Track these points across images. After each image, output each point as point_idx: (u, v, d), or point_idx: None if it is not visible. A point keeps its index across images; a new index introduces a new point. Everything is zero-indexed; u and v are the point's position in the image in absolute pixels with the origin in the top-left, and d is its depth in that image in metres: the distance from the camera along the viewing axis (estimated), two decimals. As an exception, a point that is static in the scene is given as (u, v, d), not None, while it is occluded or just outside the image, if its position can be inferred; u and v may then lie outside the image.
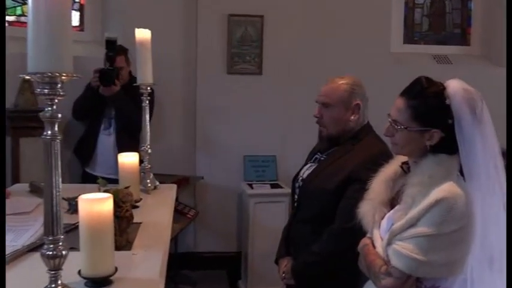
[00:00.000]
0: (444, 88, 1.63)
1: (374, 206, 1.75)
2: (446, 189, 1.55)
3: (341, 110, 2.29)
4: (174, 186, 2.69)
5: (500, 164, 1.64)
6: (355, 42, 4.65)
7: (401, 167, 1.75)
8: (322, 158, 2.40)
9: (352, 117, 2.31)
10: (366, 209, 1.77)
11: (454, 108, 1.60)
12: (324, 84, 2.36)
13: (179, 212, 4.16)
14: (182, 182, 4.13)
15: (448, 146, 1.62)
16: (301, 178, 2.43)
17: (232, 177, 4.51)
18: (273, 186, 4.42)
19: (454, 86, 1.64)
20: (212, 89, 4.49)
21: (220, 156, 4.51)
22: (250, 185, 4.40)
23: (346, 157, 2.27)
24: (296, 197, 2.44)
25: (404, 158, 1.77)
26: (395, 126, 1.66)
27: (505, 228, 1.62)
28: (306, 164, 2.50)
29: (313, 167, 2.40)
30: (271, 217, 4.20)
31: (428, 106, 1.62)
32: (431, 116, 1.61)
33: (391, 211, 1.71)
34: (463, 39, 5.18)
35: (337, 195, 2.19)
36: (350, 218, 1.84)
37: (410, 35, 5.12)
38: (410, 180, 1.63)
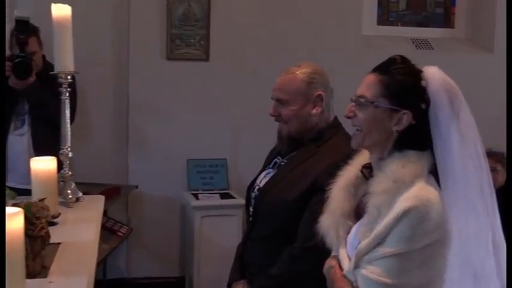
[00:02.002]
0: (421, 70, 1.69)
1: (336, 220, 1.77)
2: (414, 195, 1.58)
3: (300, 104, 2.31)
4: (102, 197, 2.66)
5: (487, 181, 1.71)
6: (320, 23, 4.71)
7: (362, 171, 1.77)
8: (282, 163, 2.42)
9: (314, 111, 2.33)
10: (328, 223, 1.79)
11: (430, 92, 1.65)
12: (278, 75, 2.38)
13: (108, 230, 4.12)
14: (112, 193, 4.09)
15: (418, 138, 1.66)
16: (257, 187, 2.44)
17: (174, 185, 4.50)
18: (223, 196, 4.43)
19: (432, 71, 1.70)
20: (148, 78, 4.46)
21: (158, 160, 4.49)
22: (196, 195, 4.40)
23: (309, 162, 2.29)
24: (251, 209, 2.45)
25: (365, 158, 1.80)
26: (361, 102, 1.70)
27: (488, 244, 1.67)
28: (263, 169, 2.51)
29: (272, 174, 2.41)
30: (221, 234, 4.21)
31: (400, 83, 1.67)
32: (402, 94, 1.66)
33: (357, 224, 1.74)
34: (446, 20, 5.32)
35: (299, 207, 2.21)
36: (314, 234, 1.85)
37: (385, 15, 5.23)
38: (373, 188, 1.65)
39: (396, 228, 1.57)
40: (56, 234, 1.87)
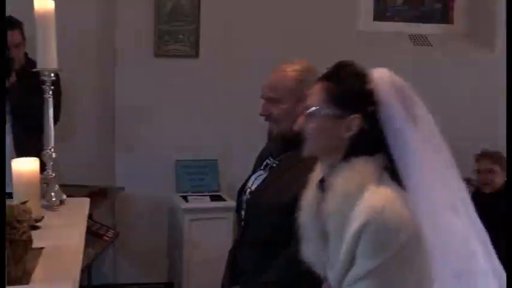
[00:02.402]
0: (367, 73, 1.71)
1: (315, 247, 1.76)
2: (364, 209, 1.57)
3: (291, 103, 2.30)
4: (87, 200, 2.66)
5: (452, 176, 1.73)
6: (314, 18, 4.72)
7: (318, 186, 1.76)
8: (274, 165, 2.41)
9: (306, 110, 2.33)
10: (309, 252, 1.79)
11: (379, 94, 1.66)
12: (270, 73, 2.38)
13: (94, 234, 4.10)
14: (97, 195, 4.07)
15: (370, 142, 1.66)
16: (249, 190, 2.43)
17: (162, 187, 4.50)
18: (214, 198, 4.44)
19: (380, 72, 1.71)
20: (135, 76, 4.46)
21: (145, 161, 4.48)
22: (185, 198, 4.40)
23: (300, 165, 2.26)
24: (243, 213, 2.44)
25: (318, 173, 1.80)
26: (308, 112, 1.71)
27: (468, 242, 1.68)
28: (255, 171, 2.51)
29: (264, 176, 2.41)
30: (211, 238, 4.21)
31: (345, 87, 1.68)
32: (348, 99, 1.67)
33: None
34: (445, 16, 5.34)
35: (294, 210, 2.20)
36: None
37: (382, 11, 5.24)
38: (328, 209, 1.65)
39: (359, 248, 1.57)
40: (38, 239, 1.86)
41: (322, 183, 1.74)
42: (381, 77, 1.68)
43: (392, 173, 1.65)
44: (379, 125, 1.65)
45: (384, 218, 1.55)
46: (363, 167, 1.64)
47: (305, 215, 1.79)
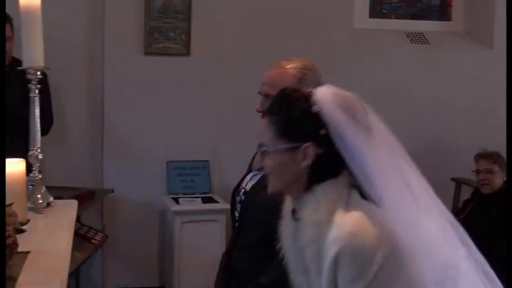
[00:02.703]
0: (310, 95, 1.69)
1: (301, 282, 1.75)
2: (335, 237, 1.57)
3: None
4: (75, 202, 2.65)
5: (415, 180, 1.71)
6: (309, 16, 4.72)
7: (291, 216, 1.76)
8: (269, 164, 2.42)
9: (305, 109, 2.33)
10: (298, 281, 1.76)
11: (325, 115, 1.64)
12: (266, 69, 2.38)
13: (82, 237, 4.11)
14: (85, 197, 4.07)
15: (330, 165, 1.66)
16: (243, 190, 2.42)
17: (152, 189, 4.50)
18: (206, 200, 4.44)
19: (322, 91, 1.69)
20: (125, 75, 4.45)
21: (135, 162, 4.48)
22: (176, 200, 4.40)
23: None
24: (237, 214, 2.44)
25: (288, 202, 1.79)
26: (262, 150, 1.71)
27: (441, 240, 1.68)
28: (249, 171, 2.51)
29: (259, 176, 2.41)
30: (203, 240, 4.22)
31: (291, 117, 1.67)
32: (295, 128, 1.67)
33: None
34: (442, 12, 5.35)
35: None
36: None
37: (378, 8, 5.25)
38: (303, 242, 1.65)
39: (339, 278, 1.57)
40: (24, 243, 1.84)
41: (294, 213, 1.74)
42: (324, 96, 1.66)
43: (361, 190, 1.65)
44: (335, 146, 1.63)
45: (356, 243, 1.55)
46: (327, 194, 1.64)
47: (285, 245, 1.79)
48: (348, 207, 1.61)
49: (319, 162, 1.65)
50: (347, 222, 1.58)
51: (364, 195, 1.64)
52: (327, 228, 1.59)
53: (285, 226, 1.80)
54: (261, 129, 1.73)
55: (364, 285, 1.55)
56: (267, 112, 1.74)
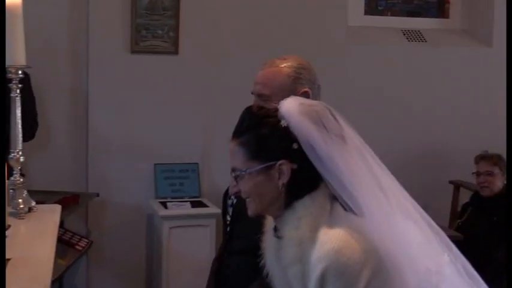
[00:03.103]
0: (277, 109, 1.69)
1: (272, 238, 1.77)
2: (320, 254, 1.58)
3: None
4: (58, 207, 2.64)
5: (389, 183, 1.71)
6: (302, 13, 4.72)
7: (273, 234, 1.75)
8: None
9: (299, 109, 2.33)
10: (266, 244, 1.79)
11: (294, 129, 1.65)
12: (260, 68, 2.38)
13: (65, 243, 4.09)
14: (69, 202, 4.06)
15: (307, 180, 1.66)
16: (235, 193, 2.43)
17: (139, 193, 4.49)
18: (195, 204, 4.42)
19: (287, 104, 1.70)
20: (110, 74, 4.44)
21: (121, 165, 4.47)
22: (164, 204, 4.38)
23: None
24: (229, 219, 2.44)
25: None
26: (235, 175, 1.70)
27: (426, 246, 1.69)
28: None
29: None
30: (192, 246, 4.21)
31: (261, 135, 1.67)
32: (268, 146, 1.67)
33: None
34: (440, 10, 5.37)
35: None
36: None
37: (373, 4, 5.26)
38: (286, 261, 1.65)
39: None
40: (5, 249, 1.84)
41: (276, 231, 1.73)
42: (290, 109, 1.67)
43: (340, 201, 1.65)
44: (309, 159, 1.64)
45: (342, 260, 1.55)
46: (308, 209, 1.64)
47: (268, 261, 1.79)
48: (331, 222, 1.61)
49: (295, 178, 1.66)
50: (331, 239, 1.58)
51: (344, 207, 1.64)
52: (310, 246, 1.59)
53: (268, 243, 1.79)
54: (230, 153, 1.72)
55: None
56: (234, 134, 1.73)
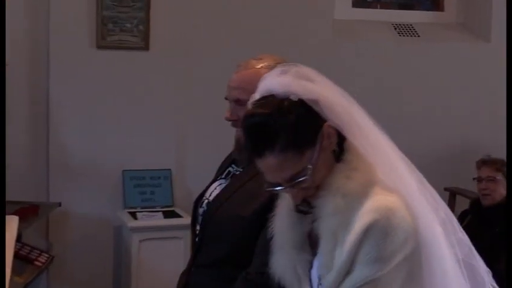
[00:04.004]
0: (273, 95, 1.68)
1: (290, 256, 1.78)
2: (371, 208, 1.62)
3: None
4: (15, 218, 2.63)
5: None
6: (285, 6, 4.73)
7: (296, 208, 1.76)
8: (237, 172, 2.42)
9: (280, 114, 2.34)
10: (281, 263, 1.80)
11: (306, 95, 1.67)
12: (233, 71, 2.37)
13: (23, 258, 4.06)
14: (28, 212, 4.04)
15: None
16: (206, 201, 2.43)
17: (106, 202, 4.47)
18: (167, 214, 4.42)
19: (270, 82, 1.72)
20: (73, 72, 4.42)
21: (86, 172, 4.44)
22: (133, 214, 4.37)
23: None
24: (198, 228, 2.44)
25: None
26: (301, 181, 1.68)
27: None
28: (214, 180, 2.51)
29: (225, 185, 2.41)
30: (164, 260, 4.19)
31: (291, 127, 1.66)
32: (304, 128, 1.67)
33: (316, 258, 1.74)
34: (434, 2, 5.40)
35: (256, 225, 2.18)
36: None
37: (362, -4, 5.28)
38: (321, 210, 1.68)
39: (361, 252, 1.60)
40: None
41: (304, 202, 1.73)
42: (280, 84, 1.69)
43: None
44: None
45: (392, 222, 1.60)
46: (362, 164, 1.68)
47: (282, 222, 1.81)
48: (384, 188, 1.66)
49: (338, 132, 1.69)
50: (387, 198, 1.63)
51: None
52: (356, 202, 1.63)
53: (284, 205, 1.81)
54: (272, 169, 1.68)
55: (381, 270, 1.59)
56: (263, 151, 1.67)
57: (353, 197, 1.64)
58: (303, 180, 1.67)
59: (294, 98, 1.66)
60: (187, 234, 4.18)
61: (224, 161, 2.57)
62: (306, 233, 1.78)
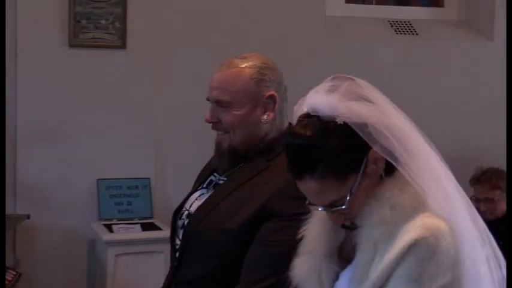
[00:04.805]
0: (318, 116, 1.69)
1: (317, 263, 1.80)
2: (421, 224, 1.63)
3: (247, 108, 2.31)
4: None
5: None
6: (271, 1, 4.74)
7: (344, 225, 1.79)
8: (220, 181, 2.41)
9: (265, 117, 2.34)
10: (306, 268, 1.81)
11: (350, 119, 1.67)
12: (216, 70, 2.36)
13: (-12, 275, 4.04)
14: (-6, 225, 4.01)
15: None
16: (186, 213, 2.43)
17: (79, 214, 4.46)
18: (146, 227, 4.41)
19: (316, 100, 1.71)
20: (43, 72, 4.41)
21: (57, 181, 4.42)
22: (109, 227, 4.36)
23: (258, 179, 2.28)
24: (178, 242, 2.43)
25: None
26: (340, 209, 1.71)
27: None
28: (195, 190, 2.50)
29: (207, 196, 2.40)
30: (143, 277, 4.18)
31: (335, 153, 1.68)
32: (349, 153, 1.69)
33: (347, 269, 1.75)
34: (433, -3, 5.43)
35: (244, 239, 2.20)
36: (264, 274, 1.93)
37: (356, -9, 5.29)
38: (365, 219, 1.70)
39: (402, 267, 1.61)
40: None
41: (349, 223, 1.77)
42: (327, 104, 1.69)
43: None
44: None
45: (439, 243, 1.62)
46: (408, 183, 1.69)
47: (316, 226, 1.84)
48: (432, 214, 1.66)
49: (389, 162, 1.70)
50: (437, 220, 1.65)
51: None
52: (404, 217, 1.65)
53: (319, 222, 1.84)
54: (313, 193, 1.72)
55: None
56: (303, 173, 1.71)
57: (402, 211, 1.66)
58: (341, 208, 1.70)
59: (339, 121, 1.67)
60: (168, 248, 4.16)
61: (204, 169, 2.57)
62: (339, 243, 1.81)
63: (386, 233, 1.65)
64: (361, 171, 1.69)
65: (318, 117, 1.69)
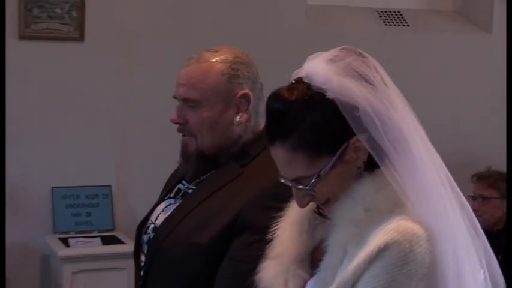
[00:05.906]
0: (309, 85, 1.69)
1: (285, 268, 1.80)
2: (395, 227, 1.62)
3: (218, 108, 2.31)
4: None
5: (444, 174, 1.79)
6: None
7: (316, 210, 1.80)
8: (189, 190, 2.41)
9: (238, 118, 2.33)
10: (272, 273, 1.81)
11: (342, 95, 1.66)
12: (183, 65, 2.36)
13: None
14: None
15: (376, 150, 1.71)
16: (152, 226, 2.43)
17: (31, 226, 4.45)
18: (107, 240, 4.42)
19: (314, 67, 1.72)
20: (-9, 67, 4.38)
21: (6, 189, 4.38)
22: (65, 240, 4.35)
23: (230, 188, 2.28)
24: (143, 258, 2.44)
25: None
26: (304, 188, 1.72)
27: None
28: (161, 200, 2.50)
29: (174, 207, 2.40)
30: (103, 298, 4.17)
31: (315, 126, 1.68)
32: (329, 131, 1.68)
33: (314, 277, 1.75)
34: (426, -15, 5.47)
35: (215, 254, 2.20)
36: None
37: (341, -23, 5.32)
38: (336, 218, 1.70)
39: (369, 273, 1.60)
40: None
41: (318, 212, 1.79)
42: (324, 74, 1.69)
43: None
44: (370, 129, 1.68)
45: (414, 251, 1.60)
46: (388, 182, 1.68)
47: (287, 229, 1.84)
48: (407, 214, 1.65)
49: (371, 147, 1.69)
50: (414, 224, 1.63)
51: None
52: (378, 219, 1.64)
53: (298, 210, 1.83)
54: (281, 162, 1.73)
55: None
56: (276, 138, 1.71)
57: (377, 213, 1.66)
58: (305, 188, 1.71)
59: (329, 95, 1.66)
60: (131, 264, 4.15)
61: (171, 176, 2.57)
62: (312, 248, 1.80)
63: (357, 235, 1.65)
64: (336, 156, 1.68)
65: (309, 86, 1.68)
